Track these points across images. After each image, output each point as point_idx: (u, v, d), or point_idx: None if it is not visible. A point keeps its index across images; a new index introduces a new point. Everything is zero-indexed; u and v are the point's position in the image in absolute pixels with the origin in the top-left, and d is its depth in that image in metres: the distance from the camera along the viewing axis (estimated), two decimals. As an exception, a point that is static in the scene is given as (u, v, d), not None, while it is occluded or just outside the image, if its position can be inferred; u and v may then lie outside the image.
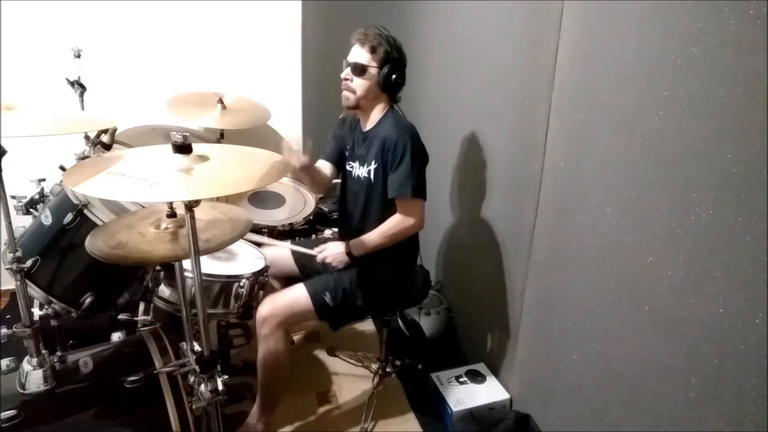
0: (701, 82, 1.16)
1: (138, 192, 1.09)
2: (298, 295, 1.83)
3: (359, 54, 1.79)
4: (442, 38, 2.44)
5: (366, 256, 1.90)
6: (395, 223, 1.82)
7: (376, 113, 1.88)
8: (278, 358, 1.81)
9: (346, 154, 1.98)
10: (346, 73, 1.81)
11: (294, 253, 2.05)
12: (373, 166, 1.84)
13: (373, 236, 1.85)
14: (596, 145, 1.53)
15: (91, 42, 2.23)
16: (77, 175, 1.13)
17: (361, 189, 1.90)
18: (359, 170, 1.90)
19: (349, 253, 1.86)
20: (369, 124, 1.89)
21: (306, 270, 2.03)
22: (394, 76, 1.79)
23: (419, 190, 1.80)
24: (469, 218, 2.34)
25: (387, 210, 1.85)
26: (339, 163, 2.05)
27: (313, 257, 1.91)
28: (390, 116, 1.86)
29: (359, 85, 1.80)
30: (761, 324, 1.06)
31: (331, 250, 1.88)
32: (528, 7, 1.81)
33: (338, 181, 2.08)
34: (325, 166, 2.04)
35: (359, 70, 1.78)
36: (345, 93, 1.84)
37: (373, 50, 1.77)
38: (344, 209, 2.02)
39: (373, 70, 1.78)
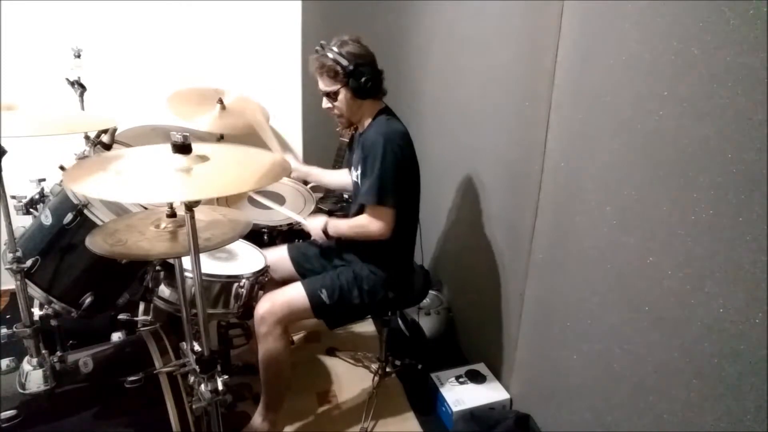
0: (701, 82, 1.16)
1: (133, 192, 1.09)
2: (295, 293, 1.84)
3: (323, 82, 1.81)
4: (442, 38, 2.44)
5: (357, 253, 1.95)
6: (362, 223, 1.83)
7: (368, 117, 1.89)
8: (278, 356, 1.81)
9: (352, 158, 2.02)
10: (325, 103, 1.85)
11: (291, 251, 2.07)
12: (359, 172, 1.86)
13: (344, 225, 1.89)
14: (596, 145, 1.53)
15: (91, 42, 2.23)
16: (75, 174, 1.13)
17: (355, 193, 1.94)
18: (353, 174, 1.94)
19: (324, 231, 1.90)
20: (362, 128, 1.92)
21: (304, 271, 2.04)
22: (362, 81, 1.75)
23: (385, 198, 1.77)
24: (469, 218, 2.34)
25: None
26: None
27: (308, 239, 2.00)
28: (376, 121, 1.86)
29: (340, 107, 1.83)
30: (761, 324, 1.06)
31: (312, 224, 1.94)
32: (528, 7, 1.81)
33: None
34: (344, 174, 2.20)
35: (332, 95, 1.81)
36: (336, 120, 1.90)
37: (330, 73, 1.76)
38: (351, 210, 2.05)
39: (342, 89, 1.78)
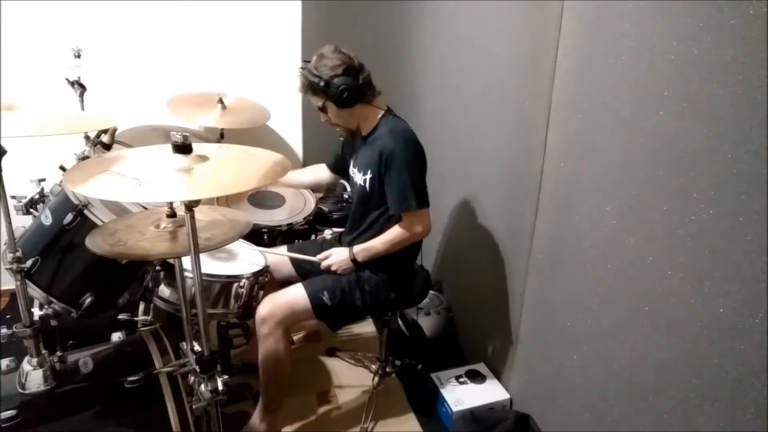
0: (701, 82, 1.16)
1: (134, 192, 1.09)
2: (296, 295, 1.83)
3: (311, 99, 1.84)
4: (442, 38, 2.44)
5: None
6: (401, 232, 1.82)
7: (370, 120, 1.87)
8: (278, 357, 1.81)
9: (351, 160, 2.00)
10: (322, 117, 1.88)
11: (294, 259, 2.06)
12: (368, 176, 1.84)
13: (377, 243, 1.85)
14: (596, 145, 1.53)
15: (91, 42, 2.23)
16: (76, 175, 1.14)
17: (360, 197, 1.92)
18: (358, 177, 1.91)
19: (353, 260, 1.86)
20: (365, 129, 1.90)
21: (305, 273, 2.03)
22: (339, 92, 1.73)
23: (421, 200, 1.79)
24: (469, 218, 2.34)
25: (384, 218, 1.86)
26: (338, 169, 2.15)
27: (317, 264, 1.92)
28: (385, 122, 1.85)
29: (332, 118, 1.85)
30: (761, 324, 1.06)
31: (336, 257, 1.89)
32: (528, 7, 1.81)
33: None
34: (320, 170, 2.21)
35: (322, 109, 1.84)
36: (337, 130, 1.94)
37: (312, 90, 1.79)
38: (350, 213, 2.04)
39: (326, 103, 1.80)
